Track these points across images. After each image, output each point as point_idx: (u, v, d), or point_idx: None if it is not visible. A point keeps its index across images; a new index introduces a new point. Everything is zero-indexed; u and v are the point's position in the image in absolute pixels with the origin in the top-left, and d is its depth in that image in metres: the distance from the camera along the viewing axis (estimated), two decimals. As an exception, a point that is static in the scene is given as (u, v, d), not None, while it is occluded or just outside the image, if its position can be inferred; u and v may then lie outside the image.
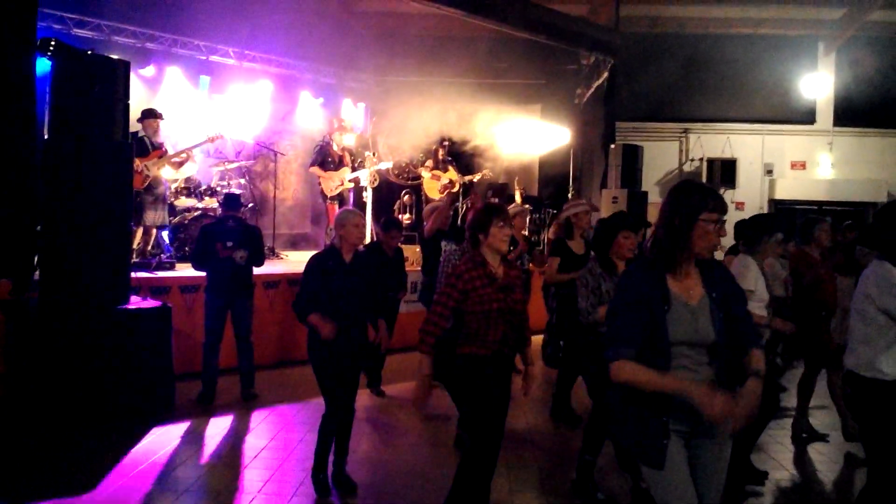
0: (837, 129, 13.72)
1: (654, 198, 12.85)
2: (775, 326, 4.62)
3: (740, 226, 5.34)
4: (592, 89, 13.09)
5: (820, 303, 5.29)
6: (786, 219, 10.15)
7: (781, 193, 13.75)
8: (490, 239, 3.47)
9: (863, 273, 3.17)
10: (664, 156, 13.80)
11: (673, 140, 13.91)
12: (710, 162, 13.47)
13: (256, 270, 6.43)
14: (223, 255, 6.03)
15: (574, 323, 4.49)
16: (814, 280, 5.29)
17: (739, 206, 13.41)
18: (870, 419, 3.09)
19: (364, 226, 4.27)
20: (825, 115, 13.77)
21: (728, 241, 5.90)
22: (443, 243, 5.87)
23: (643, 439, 2.46)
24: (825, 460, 5.27)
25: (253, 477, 4.63)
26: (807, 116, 13.80)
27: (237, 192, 8.74)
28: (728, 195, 13.58)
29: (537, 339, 4.74)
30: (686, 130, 13.81)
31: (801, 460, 5.28)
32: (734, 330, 2.49)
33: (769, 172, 13.84)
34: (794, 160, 13.83)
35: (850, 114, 13.55)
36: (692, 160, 13.81)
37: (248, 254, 6.14)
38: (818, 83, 13.58)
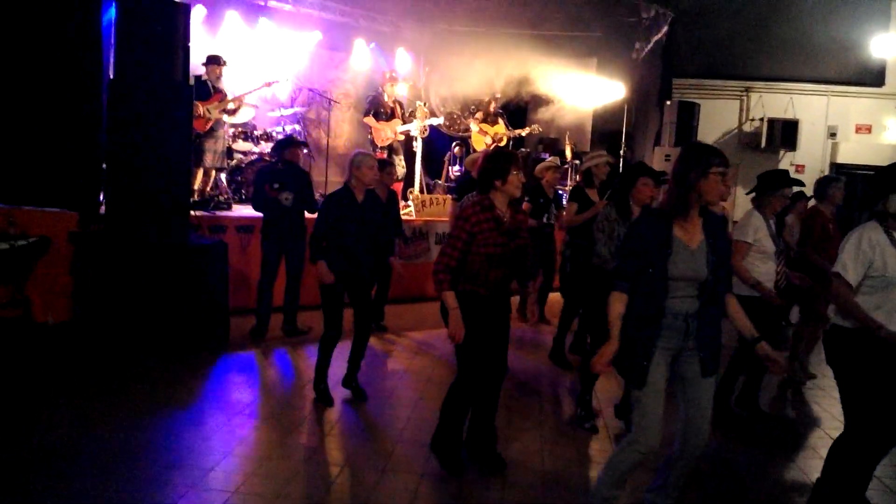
0: (908, 92, 13.12)
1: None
2: (792, 279, 4.86)
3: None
4: (651, 43, 12.77)
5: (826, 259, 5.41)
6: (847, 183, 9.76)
7: (844, 157, 13.22)
8: (507, 185, 3.56)
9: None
10: (723, 114, 13.42)
11: (733, 98, 13.51)
12: (771, 122, 13.04)
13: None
14: (270, 196, 6.24)
15: (588, 268, 4.66)
16: (822, 236, 5.52)
17: (799, 168, 12.97)
18: (836, 365, 3.36)
19: (377, 168, 4.84)
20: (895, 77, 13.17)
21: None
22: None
23: (629, 360, 2.96)
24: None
25: (303, 399, 4.95)
26: (876, 78, 13.19)
27: (290, 136, 8.91)
28: (787, 157, 13.20)
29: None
30: (747, 89, 13.38)
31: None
32: (717, 273, 2.98)
33: (832, 135, 13.32)
34: (859, 123, 13.29)
35: (922, 77, 12.93)
36: (752, 120, 13.42)
37: (294, 195, 6.28)
38: (889, 44, 12.95)
